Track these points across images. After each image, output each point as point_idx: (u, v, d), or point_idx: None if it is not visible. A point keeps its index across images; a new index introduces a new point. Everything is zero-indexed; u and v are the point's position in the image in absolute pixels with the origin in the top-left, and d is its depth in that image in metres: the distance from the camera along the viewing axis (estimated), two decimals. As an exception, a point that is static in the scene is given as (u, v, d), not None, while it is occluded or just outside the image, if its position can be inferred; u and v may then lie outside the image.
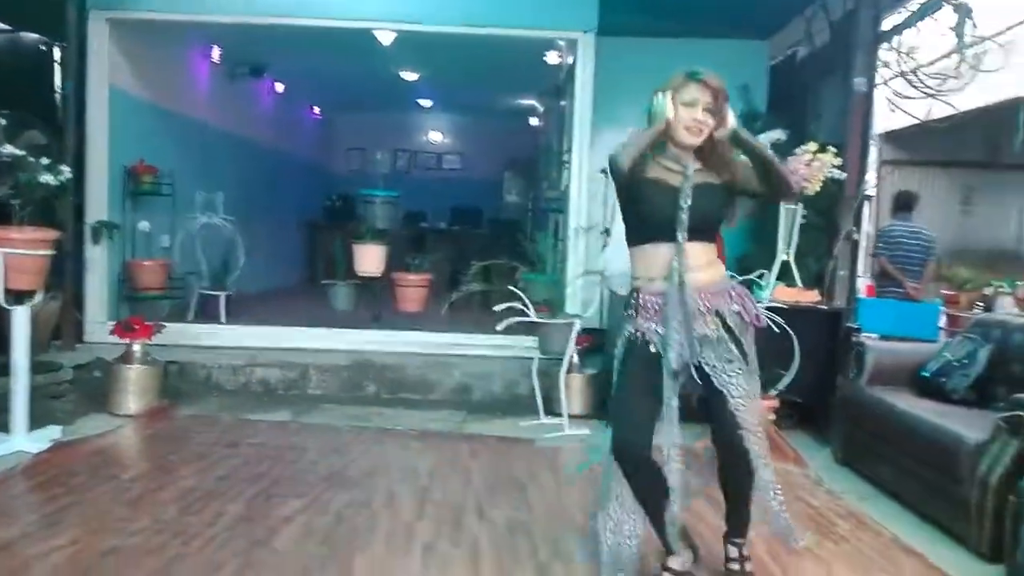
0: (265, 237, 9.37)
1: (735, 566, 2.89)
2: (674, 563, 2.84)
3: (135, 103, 6.95)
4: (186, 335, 6.35)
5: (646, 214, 2.75)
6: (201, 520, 3.39)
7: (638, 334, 2.77)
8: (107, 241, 6.48)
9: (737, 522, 2.91)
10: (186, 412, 5.32)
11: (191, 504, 3.58)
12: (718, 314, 2.73)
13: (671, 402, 2.71)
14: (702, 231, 2.74)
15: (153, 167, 6.88)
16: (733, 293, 2.79)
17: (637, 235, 2.82)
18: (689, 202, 2.68)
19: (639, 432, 2.70)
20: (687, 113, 2.70)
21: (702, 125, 2.70)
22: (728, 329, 2.74)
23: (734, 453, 2.75)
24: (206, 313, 7.04)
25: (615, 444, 2.73)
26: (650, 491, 2.76)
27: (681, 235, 2.68)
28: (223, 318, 6.95)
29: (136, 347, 5.28)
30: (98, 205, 6.46)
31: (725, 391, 2.72)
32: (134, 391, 5.19)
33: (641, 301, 2.78)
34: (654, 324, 2.74)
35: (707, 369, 2.73)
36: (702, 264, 2.74)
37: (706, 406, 2.79)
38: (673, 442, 2.73)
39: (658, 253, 2.74)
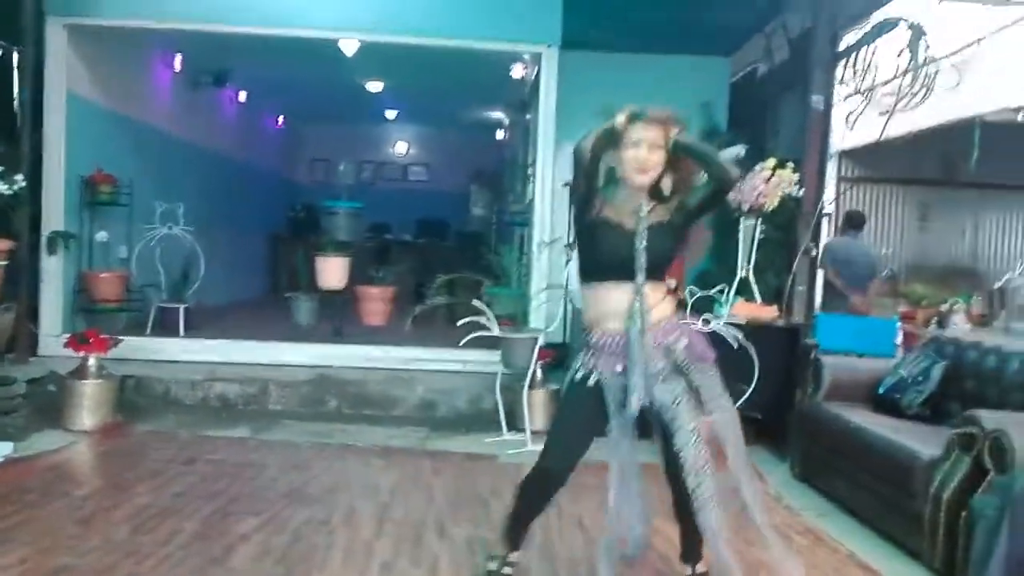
0: (227, 249, 9.26)
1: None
2: (515, 556, 2.94)
3: (94, 111, 6.84)
4: (143, 349, 6.24)
5: (601, 255, 2.78)
6: (155, 539, 3.33)
7: (589, 371, 2.78)
8: (63, 252, 6.37)
9: (689, 545, 2.99)
10: (142, 428, 5.22)
11: (145, 522, 3.52)
12: (668, 350, 2.74)
13: (623, 442, 2.76)
14: (655, 270, 2.76)
15: (111, 176, 6.78)
16: (682, 329, 2.82)
17: (592, 275, 2.83)
18: (645, 243, 2.70)
19: (568, 464, 2.77)
20: (633, 153, 2.72)
21: (647, 163, 2.72)
22: (678, 366, 2.74)
23: (678, 489, 2.78)
24: (165, 326, 6.93)
25: (545, 467, 2.80)
26: (539, 508, 2.90)
27: (640, 277, 2.69)
28: (182, 331, 6.85)
29: (91, 361, 5.18)
30: (54, 215, 6.34)
31: (671, 428, 2.71)
32: (89, 406, 5.09)
33: (596, 340, 2.78)
34: (608, 364, 2.75)
35: (656, 407, 2.72)
36: (654, 303, 2.76)
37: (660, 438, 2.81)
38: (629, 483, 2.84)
39: (612, 294, 2.75)
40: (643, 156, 2.71)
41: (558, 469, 2.79)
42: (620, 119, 2.73)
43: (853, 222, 7.03)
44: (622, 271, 2.72)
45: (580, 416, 2.82)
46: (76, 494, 3.88)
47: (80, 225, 6.62)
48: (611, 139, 2.73)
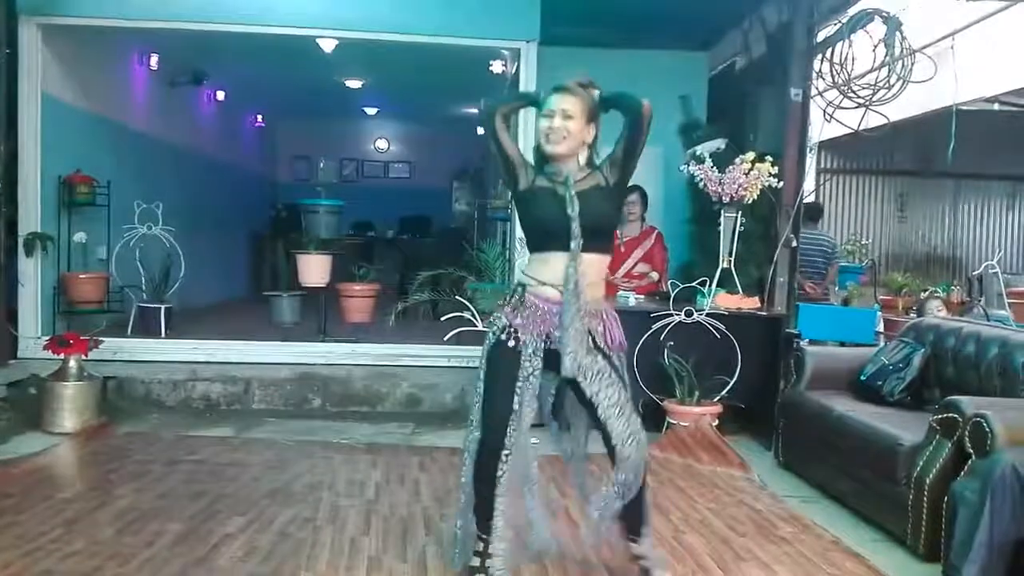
0: (208, 248, 9.20)
1: (647, 563, 2.96)
2: (492, 548, 2.89)
3: (70, 111, 6.77)
4: (125, 350, 6.20)
5: (537, 223, 2.86)
6: (139, 540, 3.31)
7: (511, 330, 2.84)
8: (41, 253, 6.30)
9: (633, 519, 2.94)
10: (125, 429, 5.18)
11: (129, 524, 3.49)
12: (589, 332, 2.82)
13: (531, 406, 2.85)
14: (597, 237, 2.81)
15: (89, 177, 6.71)
16: (605, 316, 2.90)
17: (534, 243, 2.92)
18: (576, 208, 2.74)
19: (504, 431, 2.81)
20: (545, 123, 2.84)
21: (556, 132, 2.81)
22: (597, 347, 2.83)
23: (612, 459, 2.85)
24: (146, 327, 6.87)
25: (485, 440, 2.84)
26: (490, 485, 2.84)
27: (575, 242, 2.73)
28: (163, 332, 6.80)
29: (72, 363, 5.13)
30: (31, 216, 6.26)
31: (595, 400, 2.81)
32: (70, 408, 5.04)
33: (526, 300, 2.85)
34: (535, 329, 2.82)
35: (580, 374, 2.80)
36: (591, 280, 2.81)
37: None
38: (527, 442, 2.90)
39: (551, 262, 2.80)
40: (555, 125, 2.81)
41: (498, 439, 2.81)
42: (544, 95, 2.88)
43: (810, 214, 7.10)
44: (562, 238, 2.75)
45: (506, 380, 2.83)
46: (59, 497, 3.85)
47: (58, 226, 6.55)
48: (534, 108, 2.91)
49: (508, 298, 2.91)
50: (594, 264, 2.83)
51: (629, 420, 2.82)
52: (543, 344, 2.83)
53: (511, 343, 2.83)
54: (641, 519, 2.95)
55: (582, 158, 2.89)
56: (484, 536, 2.88)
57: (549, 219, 2.79)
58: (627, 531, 2.96)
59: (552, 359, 2.82)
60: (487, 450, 2.85)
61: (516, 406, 2.81)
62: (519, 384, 2.81)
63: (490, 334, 2.90)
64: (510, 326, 2.85)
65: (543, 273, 2.83)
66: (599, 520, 2.95)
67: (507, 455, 2.82)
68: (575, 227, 2.73)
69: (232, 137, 11.38)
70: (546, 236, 2.83)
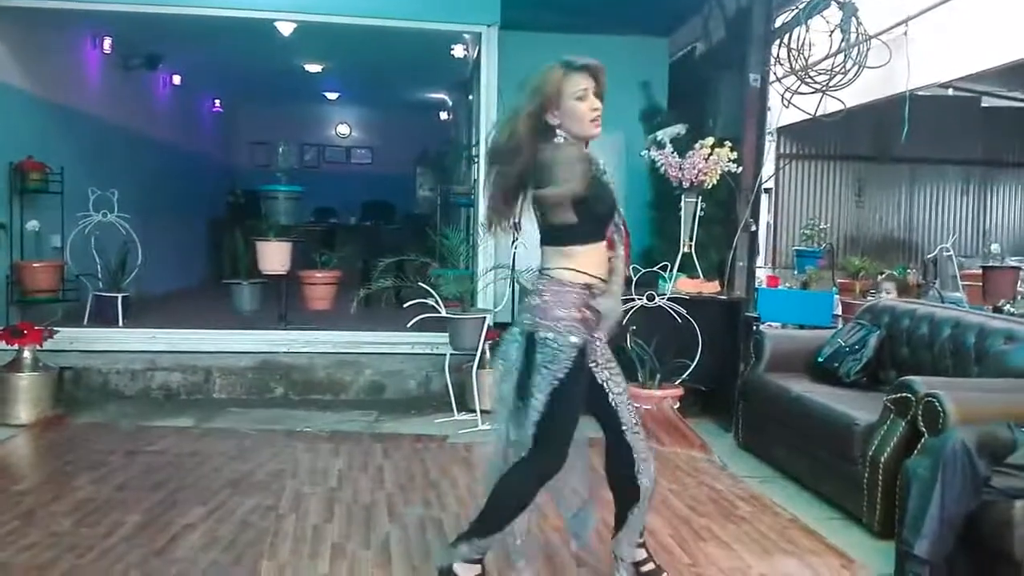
0: (165, 236, 9.05)
1: (647, 566, 2.85)
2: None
3: (20, 96, 6.61)
4: (81, 340, 6.09)
5: (596, 213, 2.56)
6: (97, 532, 3.26)
7: (582, 343, 2.55)
8: (-8, 242, 6.17)
9: (629, 523, 2.81)
10: (82, 420, 5.10)
11: (87, 515, 3.44)
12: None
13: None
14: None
15: (41, 164, 6.56)
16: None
17: (583, 236, 2.56)
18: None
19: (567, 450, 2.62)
20: (584, 106, 2.54)
21: (598, 114, 2.57)
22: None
23: (621, 449, 2.72)
24: (102, 316, 6.75)
25: (553, 464, 2.60)
26: (533, 495, 2.66)
27: (619, 233, 2.64)
28: (120, 321, 6.68)
29: (26, 353, 5.04)
30: (-18, 204, 6.13)
31: (606, 387, 2.71)
32: (25, 399, 4.95)
33: (588, 304, 2.57)
34: (590, 330, 2.60)
35: (595, 369, 2.69)
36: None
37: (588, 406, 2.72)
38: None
39: (598, 251, 2.60)
40: (597, 106, 2.56)
41: (563, 461, 2.62)
42: (553, 75, 2.54)
43: None
44: (603, 228, 2.60)
45: (580, 401, 2.62)
46: (14, 489, 3.78)
47: (10, 214, 6.40)
48: (544, 101, 2.53)
49: (572, 306, 2.54)
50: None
51: (632, 409, 2.74)
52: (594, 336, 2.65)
53: (587, 361, 2.60)
54: (638, 525, 2.82)
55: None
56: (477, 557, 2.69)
57: (606, 209, 2.59)
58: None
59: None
60: (552, 472, 2.61)
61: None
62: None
63: (560, 350, 2.51)
64: (582, 342, 2.55)
65: (591, 266, 2.57)
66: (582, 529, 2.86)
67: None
68: (621, 213, 2.64)
69: (189, 122, 11.19)
70: (599, 226, 2.59)
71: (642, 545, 2.87)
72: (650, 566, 2.85)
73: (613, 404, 2.70)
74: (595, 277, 2.58)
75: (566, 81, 2.54)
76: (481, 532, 2.63)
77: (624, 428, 2.71)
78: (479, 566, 2.67)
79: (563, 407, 2.54)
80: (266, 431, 4.95)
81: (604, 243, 2.61)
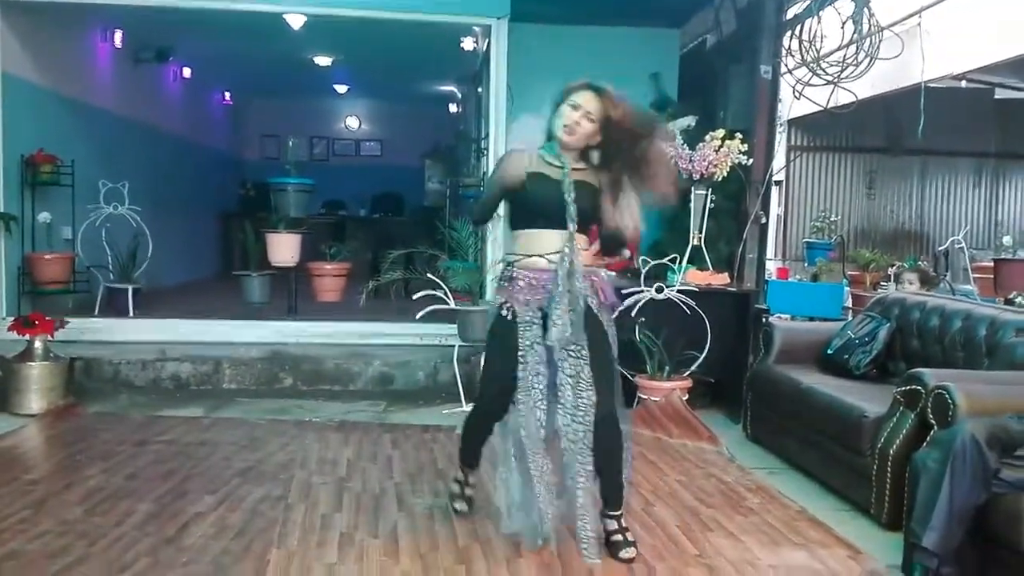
0: (176, 228, 9.09)
1: (617, 537, 3.05)
2: (473, 478, 3.42)
3: (31, 90, 6.64)
4: (92, 330, 6.13)
5: (534, 204, 3.04)
6: (108, 520, 3.29)
7: (507, 305, 3.08)
8: (5, 234, 6.20)
9: (611, 495, 3.07)
10: (93, 410, 5.14)
11: (98, 504, 3.47)
12: (584, 294, 3.03)
13: (540, 372, 3.02)
14: (581, 220, 3.02)
15: (52, 156, 6.59)
16: (595, 279, 3.12)
17: (525, 221, 3.10)
18: (573, 195, 2.97)
19: (500, 399, 3.09)
20: (568, 112, 3.01)
21: (576, 127, 2.99)
22: (588, 310, 3.04)
23: (603, 422, 3.00)
24: (113, 307, 6.79)
25: (480, 406, 3.25)
26: (481, 435, 3.26)
27: (571, 224, 2.97)
28: (131, 312, 6.72)
29: (38, 343, 5.07)
30: (-7, 196, 6.17)
31: (560, 365, 3.00)
32: (37, 389, 4.99)
33: (516, 275, 3.08)
34: (530, 300, 3.04)
35: (569, 348, 3.00)
36: (581, 250, 3.05)
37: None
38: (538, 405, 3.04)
39: (542, 236, 3.03)
40: (575, 118, 2.99)
41: (492, 405, 3.14)
42: (576, 82, 3.05)
43: None
44: (554, 219, 3.00)
45: (505, 352, 3.05)
46: (26, 478, 3.81)
47: (21, 206, 6.44)
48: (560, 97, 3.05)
49: (502, 276, 3.13)
50: (580, 240, 3.05)
51: (582, 395, 2.98)
52: (540, 314, 3.03)
53: (508, 316, 3.06)
54: (617, 496, 3.07)
55: (580, 153, 3.07)
56: (467, 470, 3.40)
57: (545, 200, 3.00)
58: (603, 506, 3.08)
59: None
60: (480, 412, 3.22)
61: (520, 374, 3.00)
62: (520, 354, 3.01)
63: (491, 310, 3.17)
64: (506, 301, 3.08)
65: (533, 247, 3.05)
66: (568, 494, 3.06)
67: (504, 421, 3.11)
68: (572, 210, 2.96)
69: (199, 115, 11.22)
70: (539, 215, 3.04)
71: (613, 518, 3.08)
72: (617, 537, 3.07)
73: (559, 382, 3.01)
74: (533, 256, 3.04)
75: (576, 91, 3.05)
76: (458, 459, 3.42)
77: (561, 405, 3.00)
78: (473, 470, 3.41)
79: (486, 361, 3.20)
80: (275, 421, 4.98)
81: (551, 230, 3.01)
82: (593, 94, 3.01)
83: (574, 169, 3.03)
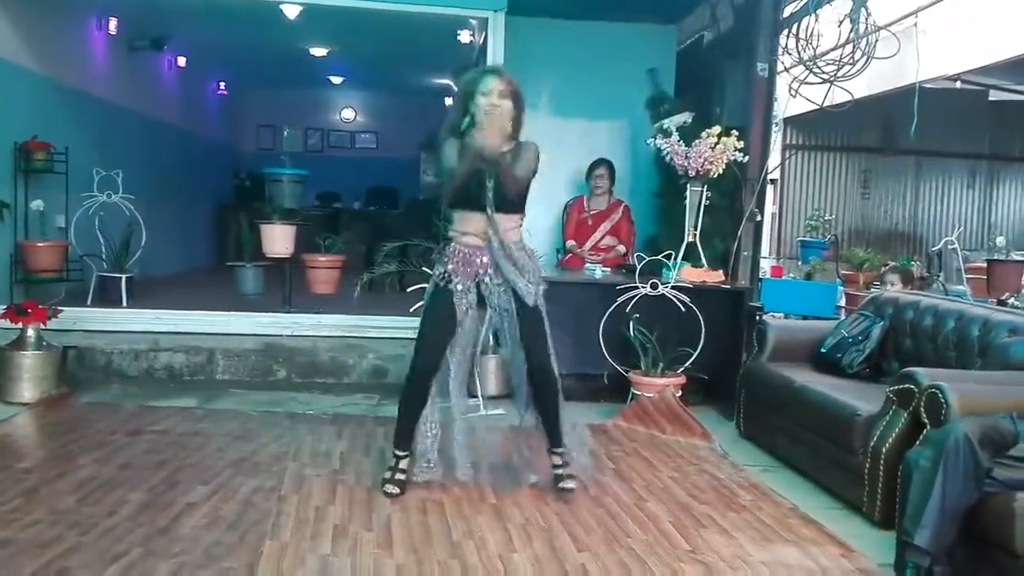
0: (170, 217, 9.07)
1: (560, 471, 3.59)
2: (404, 463, 3.63)
3: (25, 76, 6.60)
4: (85, 319, 6.10)
5: (460, 189, 3.46)
6: (100, 510, 3.28)
7: (445, 275, 3.54)
8: (-3, 221, 6.17)
9: (553, 433, 3.60)
10: (85, 399, 5.11)
11: (90, 494, 3.46)
12: (514, 264, 3.51)
13: (473, 329, 3.71)
14: (507, 202, 3.47)
15: (46, 143, 6.56)
16: (525, 250, 3.60)
17: (454, 203, 3.56)
18: (494, 182, 3.38)
19: (434, 362, 3.57)
20: (484, 100, 3.41)
21: (495, 109, 3.40)
22: (518, 269, 3.51)
23: (537, 373, 3.55)
24: (106, 297, 6.76)
25: (415, 362, 3.59)
26: (415, 404, 3.61)
27: (490, 208, 3.42)
28: (124, 301, 6.70)
29: (30, 332, 5.04)
30: (-15, 183, 6.14)
31: (513, 330, 3.57)
32: (29, 378, 4.96)
33: (453, 250, 3.55)
34: (464, 272, 3.52)
35: (501, 307, 3.57)
36: (507, 228, 3.51)
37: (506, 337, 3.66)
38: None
39: (474, 217, 3.49)
40: (493, 100, 3.41)
41: (426, 367, 3.56)
42: (471, 73, 3.60)
43: None
44: (476, 203, 3.45)
45: (441, 318, 3.54)
46: (18, 467, 3.79)
47: (14, 194, 6.40)
48: (470, 92, 3.46)
49: (442, 250, 3.64)
50: (506, 220, 3.50)
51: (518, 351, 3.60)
52: (474, 284, 3.53)
53: (443, 284, 3.53)
54: (557, 434, 3.59)
55: (504, 135, 3.47)
56: (400, 453, 3.61)
57: (471, 188, 3.43)
58: (548, 444, 3.63)
59: (482, 298, 3.56)
60: (418, 372, 3.57)
61: (452, 335, 3.54)
62: (457, 319, 3.52)
63: (431, 281, 3.62)
64: (445, 272, 3.54)
65: (466, 227, 3.52)
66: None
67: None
68: (490, 196, 3.40)
69: (194, 104, 11.17)
70: (467, 200, 3.48)
71: (558, 454, 3.63)
72: (559, 471, 3.60)
73: (502, 340, 3.71)
74: (467, 235, 3.52)
75: (483, 80, 3.49)
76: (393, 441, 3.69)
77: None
78: (407, 454, 3.65)
79: (422, 322, 3.63)
80: (269, 413, 4.97)
81: (476, 213, 3.47)
82: (494, 76, 3.48)
83: (502, 153, 3.41)
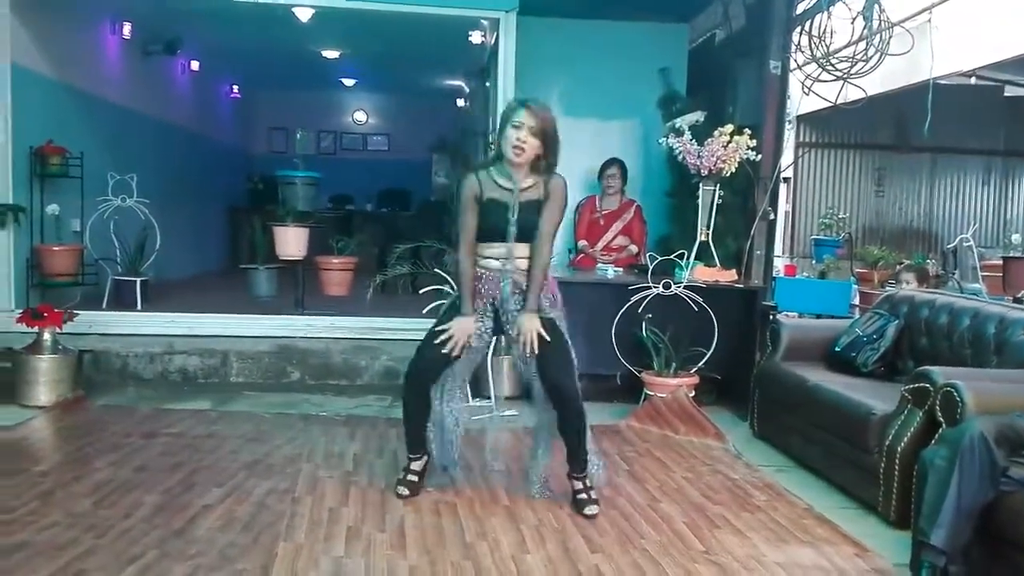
0: (184, 221, 9.11)
1: (583, 495, 3.48)
2: (416, 465, 3.65)
3: (40, 81, 6.65)
4: (100, 323, 6.14)
5: (483, 224, 3.49)
6: (116, 512, 3.30)
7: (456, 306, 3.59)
8: (13, 225, 6.21)
9: (575, 462, 3.52)
10: (101, 402, 5.15)
11: (106, 496, 3.48)
12: (521, 290, 3.51)
13: (482, 351, 3.73)
14: (525, 234, 3.46)
15: (61, 148, 6.61)
16: (544, 281, 3.54)
17: (482, 236, 3.52)
18: (516, 216, 3.40)
19: (433, 368, 3.55)
20: (512, 132, 3.34)
21: (523, 144, 3.33)
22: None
23: (559, 400, 3.46)
24: (121, 300, 6.81)
25: (410, 371, 3.59)
26: (418, 413, 3.60)
27: (511, 239, 3.44)
28: (139, 305, 6.74)
29: (46, 336, 5.08)
30: (2, 188, 6.17)
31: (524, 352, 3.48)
32: (45, 381, 5.00)
33: (477, 272, 3.56)
34: (481, 290, 3.54)
35: (513, 332, 3.53)
36: (522, 256, 3.50)
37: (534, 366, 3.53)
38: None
39: (493, 245, 3.51)
40: (521, 136, 3.33)
41: (423, 378, 3.55)
42: (511, 102, 3.49)
43: None
44: (499, 235, 3.46)
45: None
46: (34, 470, 3.82)
47: (30, 198, 6.45)
48: (505, 119, 3.42)
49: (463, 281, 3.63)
50: (523, 249, 3.50)
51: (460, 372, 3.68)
52: (491, 309, 3.55)
53: (455, 318, 3.53)
54: (580, 461, 3.51)
55: (529, 168, 3.43)
56: (411, 456, 3.64)
57: (493, 222, 3.46)
58: (569, 469, 3.54)
59: (498, 323, 3.58)
60: (413, 379, 3.57)
61: (459, 356, 3.52)
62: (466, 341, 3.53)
63: (451, 297, 3.74)
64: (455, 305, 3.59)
65: (490, 252, 3.53)
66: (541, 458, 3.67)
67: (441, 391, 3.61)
68: (512, 229, 3.42)
69: (207, 108, 11.23)
70: (488, 232, 3.49)
71: (579, 479, 3.54)
72: (582, 496, 3.50)
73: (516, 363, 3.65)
74: (489, 259, 3.52)
75: (514, 111, 3.40)
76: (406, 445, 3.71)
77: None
78: (423, 458, 3.68)
79: (431, 331, 3.57)
80: (282, 415, 4.99)
81: (503, 243, 3.46)
82: (526, 110, 3.35)
83: (523, 190, 3.42)
